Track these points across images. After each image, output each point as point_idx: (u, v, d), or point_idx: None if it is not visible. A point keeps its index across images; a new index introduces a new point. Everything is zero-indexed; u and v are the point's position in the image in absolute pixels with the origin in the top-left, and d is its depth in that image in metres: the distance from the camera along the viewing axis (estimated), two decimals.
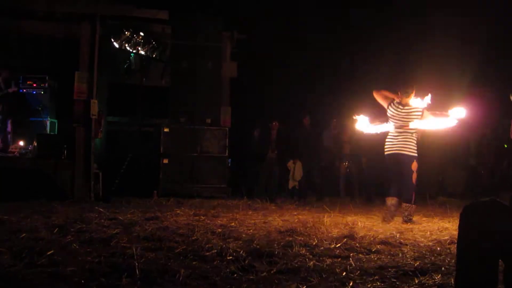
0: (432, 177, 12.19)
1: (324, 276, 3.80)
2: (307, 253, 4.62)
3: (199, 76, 11.65)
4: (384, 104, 7.63)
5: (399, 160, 7.36)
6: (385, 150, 7.53)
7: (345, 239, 5.31)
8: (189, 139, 11.23)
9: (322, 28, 15.42)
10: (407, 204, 7.27)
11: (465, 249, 2.64)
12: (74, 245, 4.58)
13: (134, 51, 11.56)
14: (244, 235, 5.53)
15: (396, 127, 7.42)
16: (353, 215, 7.80)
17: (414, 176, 7.31)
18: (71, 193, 9.54)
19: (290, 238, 5.34)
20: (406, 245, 5.17)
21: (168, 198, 9.86)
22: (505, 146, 12.51)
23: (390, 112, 7.50)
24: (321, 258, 4.41)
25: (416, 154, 7.36)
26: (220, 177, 11.35)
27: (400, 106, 7.42)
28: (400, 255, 4.62)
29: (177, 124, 11.34)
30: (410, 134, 7.36)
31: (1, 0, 9.56)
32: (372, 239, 5.41)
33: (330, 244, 5.08)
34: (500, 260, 2.62)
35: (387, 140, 7.54)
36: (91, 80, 9.87)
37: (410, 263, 4.21)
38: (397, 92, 7.46)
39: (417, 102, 7.29)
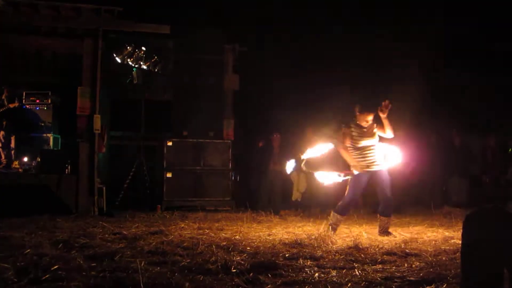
0: (436, 187, 12.14)
1: (329, 287, 3.79)
2: (312, 265, 4.61)
3: (202, 89, 11.68)
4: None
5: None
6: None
7: (350, 250, 5.30)
8: (192, 152, 11.24)
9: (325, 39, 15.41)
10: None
11: (468, 257, 2.62)
12: (79, 260, 4.57)
13: (136, 65, 11.60)
14: (248, 248, 5.52)
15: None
16: (358, 226, 7.78)
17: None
18: (75, 208, 9.53)
19: (295, 250, 5.33)
20: (412, 255, 5.15)
21: (172, 212, 9.86)
22: (510, 150, 12.44)
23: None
24: (326, 270, 4.40)
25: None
26: (224, 190, 11.34)
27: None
28: (406, 265, 4.60)
29: (180, 138, 11.34)
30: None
31: (4, 17, 9.60)
32: (377, 249, 5.40)
33: (335, 255, 5.07)
34: (504, 269, 2.60)
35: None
36: (94, 95, 9.90)
37: (415, 274, 4.19)
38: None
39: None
